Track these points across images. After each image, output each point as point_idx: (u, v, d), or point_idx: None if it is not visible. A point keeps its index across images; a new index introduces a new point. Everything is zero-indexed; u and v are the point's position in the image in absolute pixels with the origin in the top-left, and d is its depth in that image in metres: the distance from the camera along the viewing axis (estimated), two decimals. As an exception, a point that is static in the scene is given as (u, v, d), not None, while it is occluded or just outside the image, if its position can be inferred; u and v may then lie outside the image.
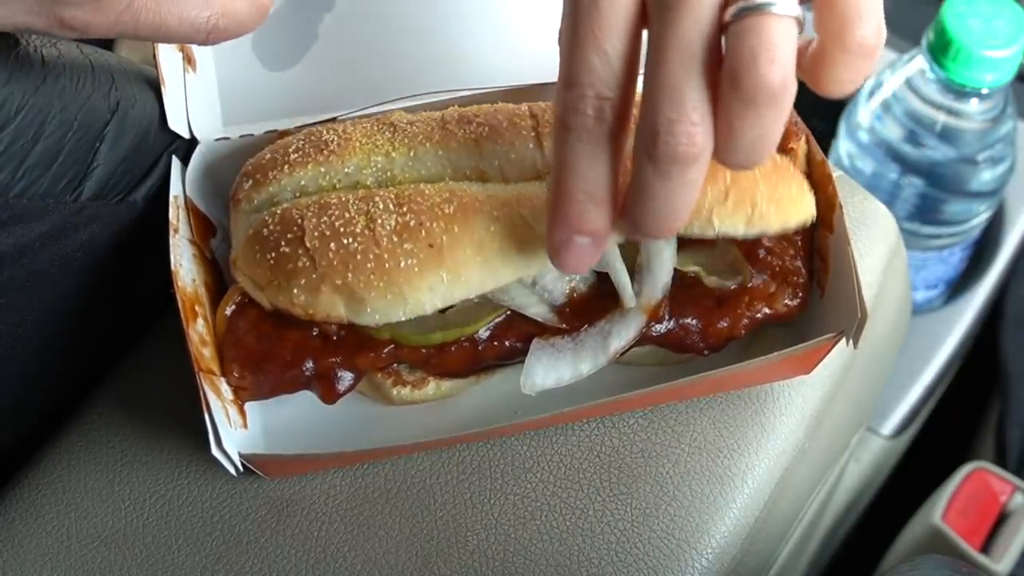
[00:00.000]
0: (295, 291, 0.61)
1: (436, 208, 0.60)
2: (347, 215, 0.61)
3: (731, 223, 0.62)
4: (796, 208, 0.63)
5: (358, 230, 0.60)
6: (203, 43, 0.59)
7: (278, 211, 0.62)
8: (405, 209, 0.61)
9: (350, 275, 0.60)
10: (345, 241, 0.60)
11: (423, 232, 0.60)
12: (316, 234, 0.61)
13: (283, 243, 0.61)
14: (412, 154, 0.64)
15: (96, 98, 0.64)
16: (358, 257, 0.60)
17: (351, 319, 0.61)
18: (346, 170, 0.64)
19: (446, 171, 0.64)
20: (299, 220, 0.61)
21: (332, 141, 0.65)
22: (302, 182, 0.64)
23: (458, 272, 0.60)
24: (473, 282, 0.60)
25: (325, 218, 0.61)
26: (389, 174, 0.64)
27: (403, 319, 0.61)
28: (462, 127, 0.64)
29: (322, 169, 0.64)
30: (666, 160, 0.50)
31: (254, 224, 0.63)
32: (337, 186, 0.64)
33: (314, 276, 0.60)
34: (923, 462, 1.11)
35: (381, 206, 0.61)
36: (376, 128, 0.65)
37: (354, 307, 0.60)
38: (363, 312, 0.60)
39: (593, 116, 0.51)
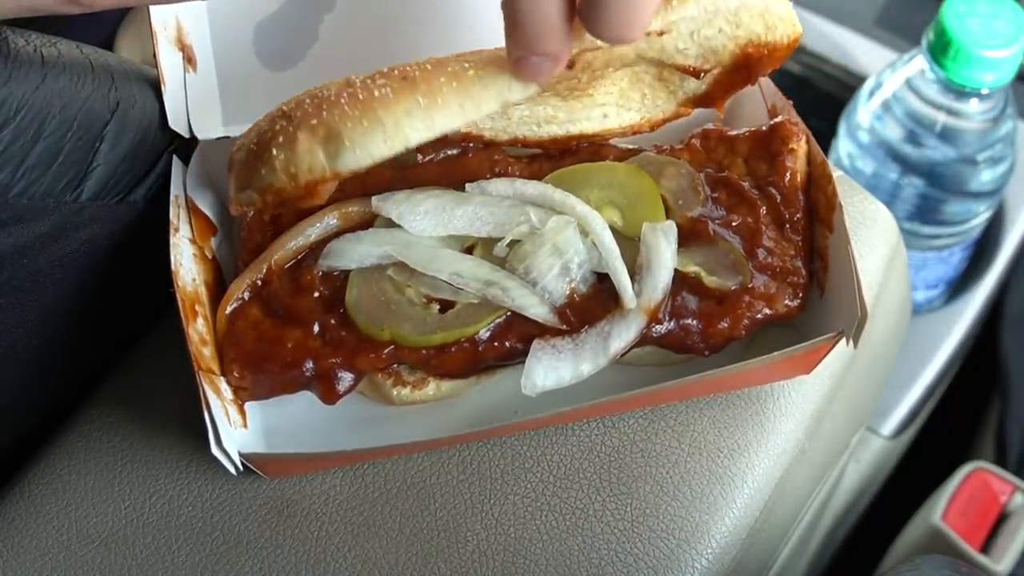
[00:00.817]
0: (274, 152, 0.59)
1: (410, 63, 0.61)
2: (325, 84, 0.61)
3: None
4: None
5: (333, 87, 0.60)
6: None
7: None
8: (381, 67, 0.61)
9: (324, 112, 0.59)
10: (321, 93, 0.60)
11: (396, 72, 0.60)
12: (294, 101, 0.61)
13: (264, 125, 0.61)
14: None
15: (96, 98, 0.64)
16: (332, 98, 0.59)
17: (332, 166, 0.59)
18: None
19: None
20: (280, 104, 0.61)
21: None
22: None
23: (434, 96, 0.59)
24: (451, 106, 0.59)
25: (305, 93, 0.61)
26: None
27: (386, 152, 0.59)
28: None
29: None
30: None
31: None
32: None
33: (290, 129, 0.59)
34: (923, 462, 1.11)
35: (360, 76, 0.61)
36: None
37: (332, 147, 0.58)
38: (342, 149, 0.58)
39: None
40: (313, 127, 0.58)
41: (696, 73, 0.65)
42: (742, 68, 0.65)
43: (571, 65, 0.60)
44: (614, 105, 0.67)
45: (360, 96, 0.58)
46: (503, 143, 0.67)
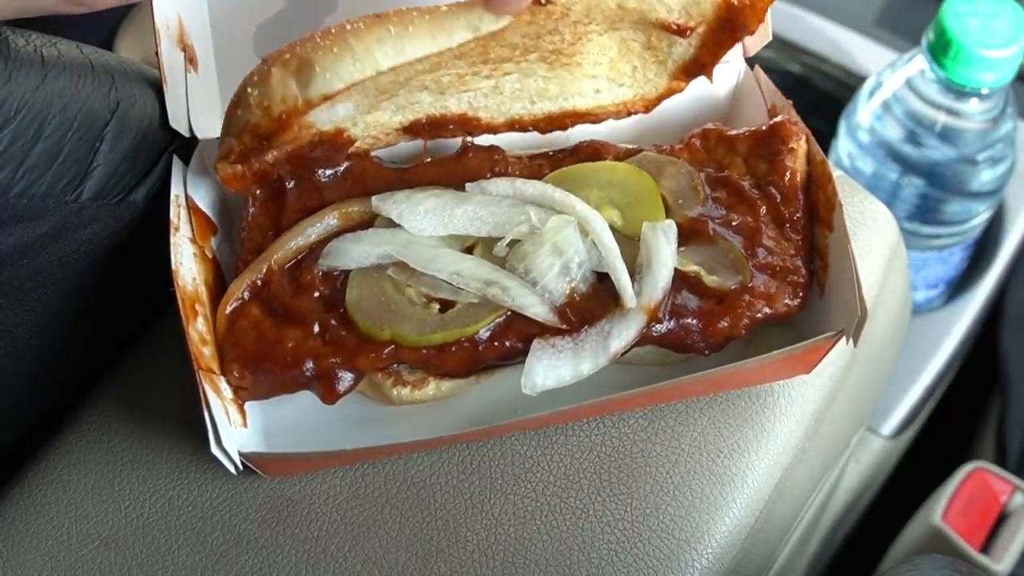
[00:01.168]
0: (249, 91, 0.61)
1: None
2: None
3: None
4: None
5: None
6: None
7: None
8: None
9: (298, 48, 0.60)
10: (296, 39, 0.61)
11: (371, 13, 0.61)
12: (273, 52, 0.62)
13: (244, 78, 0.62)
14: None
15: (96, 98, 0.64)
16: (305, 37, 0.60)
17: (304, 94, 0.60)
18: None
19: None
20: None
21: None
22: None
23: (405, 25, 0.60)
24: (423, 35, 0.60)
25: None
26: None
27: (356, 75, 0.60)
28: None
29: None
30: None
31: None
32: None
33: (265, 67, 0.61)
34: (923, 462, 1.10)
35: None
36: None
37: (304, 77, 0.60)
38: (313, 76, 0.59)
39: None
40: (286, 61, 0.60)
41: (682, 32, 0.65)
42: (726, 23, 0.65)
43: (544, 1, 0.61)
44: (605, 79, 0.67)
45: (332, 30, 0.60)
46: (500, 126, 0.67)
